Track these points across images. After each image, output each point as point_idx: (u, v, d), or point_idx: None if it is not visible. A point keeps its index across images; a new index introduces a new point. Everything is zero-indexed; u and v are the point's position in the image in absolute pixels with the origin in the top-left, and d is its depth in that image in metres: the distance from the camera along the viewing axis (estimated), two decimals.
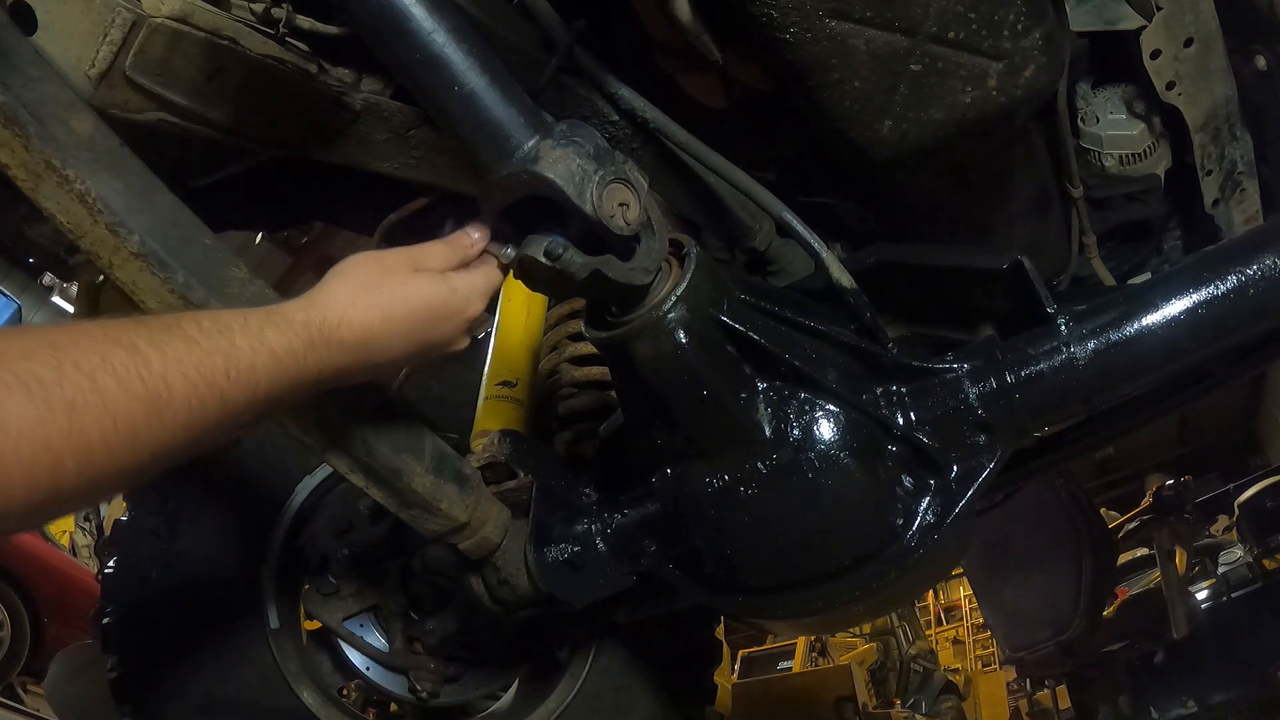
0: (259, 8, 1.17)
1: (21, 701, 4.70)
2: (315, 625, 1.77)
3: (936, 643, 11.44)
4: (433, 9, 0.94)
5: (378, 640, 1.73)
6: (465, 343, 1.06)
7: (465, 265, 1.04)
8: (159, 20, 1.11)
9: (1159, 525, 4.66)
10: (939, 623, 13.03)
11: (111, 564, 1.63)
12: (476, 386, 1.56)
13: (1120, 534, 4.82)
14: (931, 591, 12.29)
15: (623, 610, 1.58)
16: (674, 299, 1.04)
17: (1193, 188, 1.58)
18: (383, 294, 0.96)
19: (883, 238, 1.52)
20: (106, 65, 1.11)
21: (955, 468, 1.15)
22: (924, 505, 1.15)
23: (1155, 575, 4.81)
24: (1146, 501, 4.98)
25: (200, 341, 0.78)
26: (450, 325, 1.01)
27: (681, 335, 1.04)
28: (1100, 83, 1.55)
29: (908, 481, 1.16)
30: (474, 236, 1.06)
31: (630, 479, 1.33)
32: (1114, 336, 1.13)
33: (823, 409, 1.12)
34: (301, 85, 1.25)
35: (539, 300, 1.61)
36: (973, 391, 1.15)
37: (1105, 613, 4.53)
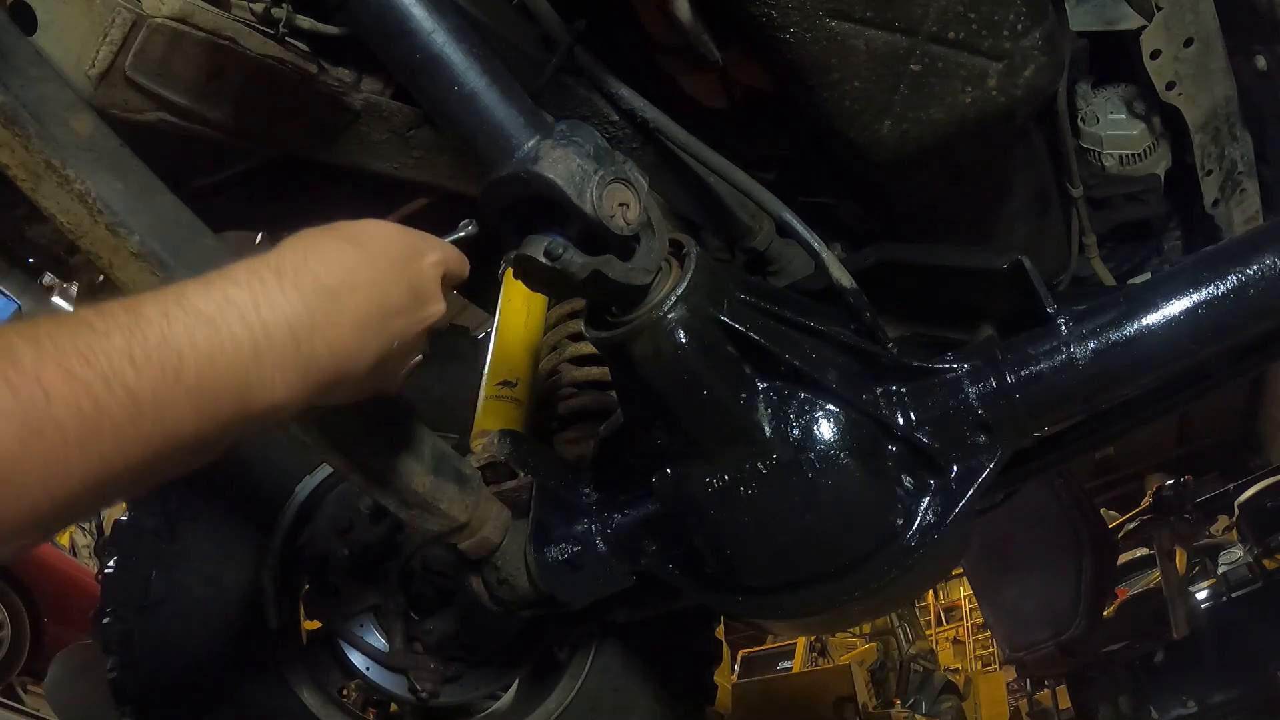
0: (259, 8, 1.17)
1: (21, 701, 4.69)
2: (315, 625, 1.77)
3: (936, 643, 11.44)
4: (433, 9, 0.94)
5: (378, 640, 1.73)
6: (442, 307, 0.91)
7: None
8: (159, 20, 1.11)
9: (1159, 525, 4.66)
10: (939, 623, 13.03)
11: (111, 564, 1.63)
12: (476, 386, 1.56)
13: (1120, 534, 4.81)
14: (931, 591, 12.29)
15: (623, 610, 1.58)
16: (674, 299, 1.04)
17: (1193, 188, 1.58)
18: (344, 230, 0.80)
19: (883, 238, 1.52)
20: (106, 65, 1.11)
21: (955, 468, 1.14)
22: (924, 505, 1.15)
23: (1155, 575, 4.81)
24: (1146, 501, 4.97)
25: (94, 324, 0.57)
26: (420, 268, 0.86)
27: (681, 335, 1.04)
28: (1100, 83, 1.55)
29: (908, 481, 1.16)
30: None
31: (630, 479, 1.33)
32: (1114, 336, 1.13)
33: (823, 409, 1.12)
34: (301, 85, 1.25)
35: (539, 300, 1.61)
36: (973, 391, 1.15)
37: (1105, 613, 4.52)
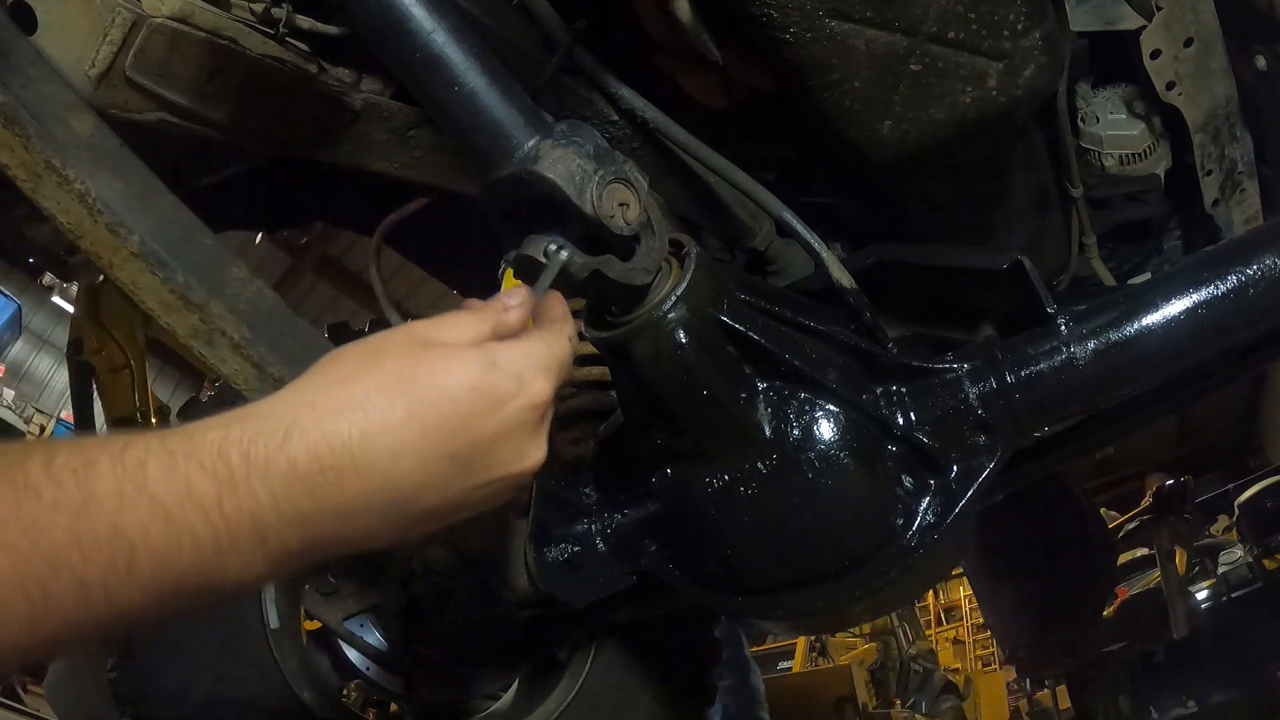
0: (259, 8, 1.17)
1: (21, 701, 4.70)
2: (315, 625, 1.77)
3: (936, 643, 11.43)
4: (433, 9, 0.94)
5: (378, 640, 1.73)
6: (536, 458, 0.68)
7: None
8: (159, 20, 1.11)
9: (1159, 525, 4.66)
10: (939, 623, 13.01)
11: None
12: None
13: (1120, 534, 4.81)
14: (931, 591, 12.28)
15: (623, 610, 1.58)
16: (674, 299, 1.04)
17: (1193, 188, 1.58)
18: (368, 382, 0.60)
19: (883, 238, 1.52)
20: (106, 65, 1.11)
21: (955, 468, 1.14)
22: (924, 505, 1.15)
23: (1155, 575, 4.81)
24: (1146, 501, 4.98)
25: (42, 491, 0.51)
26: (497, 421, 0.64)
27: (681, 335, 1.04)
28: (1100, 83, 1.55)
29: (908, 481, 1.16)
30: (511, 302, 0.74)
31: (630, 479, 1.33)
32: (1114, 336, 1.13)
33: (823, 409, 1.12)
34: (301, 85, 1.25)
35: None
36: (973, 391, 1.15)
37: (1105, 613, 4.52)
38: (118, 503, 0.52)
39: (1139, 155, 1.54)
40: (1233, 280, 1.11)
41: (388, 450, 0.59)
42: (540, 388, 0.67)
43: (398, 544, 0.64)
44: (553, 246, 0.97)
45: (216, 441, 0.56)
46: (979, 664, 11.28)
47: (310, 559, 0.60)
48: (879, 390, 1.17)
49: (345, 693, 1.78)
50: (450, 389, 0.62)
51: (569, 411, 1.53)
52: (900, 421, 1.16)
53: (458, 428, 0.61)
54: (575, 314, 1.56)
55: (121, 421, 2.58)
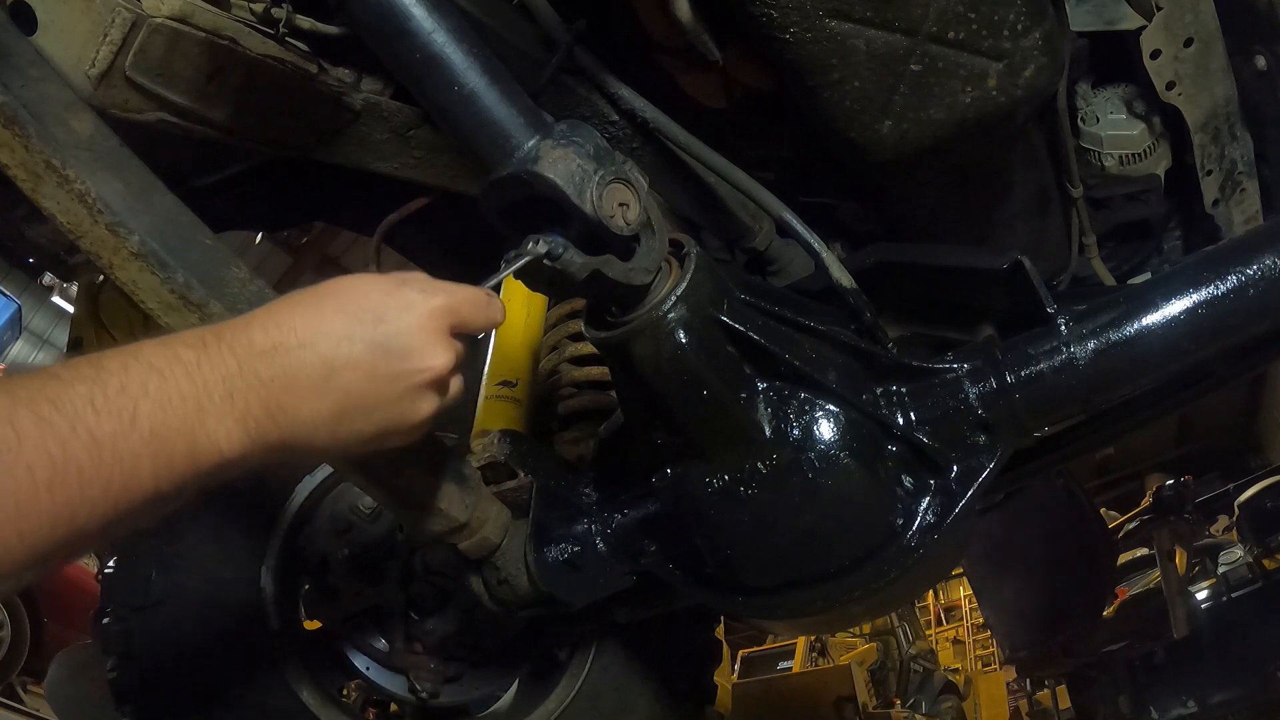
0: (259, 8, 1.17)
1: (21, 701, 4.70)
2: (315, 625, 1.77)
3: (936, 643, 11.43)
4: (433, 9, 0.94)
5: (378, 640, 1.73)
6: (439, 360, 0.82)
7: None
8: (159, 20, 1.11)
9: (1159, 525, 4.66)
10: (939, 623, 13.02)
11: (111, 564, 1.63)
12: (476, 386, 1.56)
13: (1120, 534, 4.82)
14: (931, 591, 12.29)
15: (623, 610, 1.58)
16: (674, 299, 1.04)
17: (1193, 188, 1.58)
18: (312, 295, 0.79)
19: (883, 238, 1.52)
20: (106, 65, 1.11)
21: (955, 468, 1.14)
22: (924, 505, 1.15)
23: (1155, 575, 4.81)
24: (1146, 501, 4.98)
25: (61, 374, 0.63)
26: (406, 319, 0.80)
27: (681, 335, 1.04)
28: (1100, 83, 1.55)
29: (908, 481, 1.16)
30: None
31: (630, 479, 1.33)
32: (1114, 336, 1.13)
33: (823, 409, 1.12)
34: (301, 85, 1.25)
35: (539, 300, 1.61)
36: (973, 391, 1.15)
37: (1105, 613, 4.53)
38: (123, 369, 0.65)
39: (1139, 155, 1.54)
40: (1233, 280, 1.11)
41: (322, 332, 0.76)
42: (439, 300, 0.83)
43: (343, 436, 0.78)
44: (542, 247, 0.96)
45: (196, 330, 0.73)
46: (979, 664, 11.29)
47: (272, 434, 0.73)
48: (879, 390, 1.17)
49: (345, 693, 1.78)
50: (369, 295, 0.80)
51: (569, 411, 1.54)
52: (900, 421, 1.16)
53: (375, 320, 0.79)
54: (575, 314, 1.57)
55: None
